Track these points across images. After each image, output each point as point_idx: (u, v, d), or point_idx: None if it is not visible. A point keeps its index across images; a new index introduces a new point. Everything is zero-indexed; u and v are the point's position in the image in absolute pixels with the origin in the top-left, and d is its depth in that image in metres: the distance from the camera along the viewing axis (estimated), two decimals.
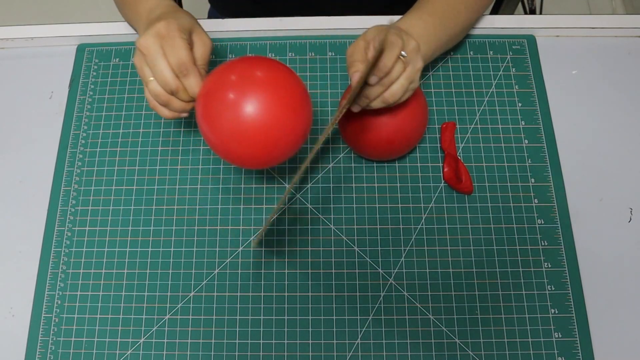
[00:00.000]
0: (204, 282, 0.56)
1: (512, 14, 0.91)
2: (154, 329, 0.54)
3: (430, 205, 0.58)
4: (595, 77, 0.65)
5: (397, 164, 0.60)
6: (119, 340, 0.54)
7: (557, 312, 0.54)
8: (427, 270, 0.56)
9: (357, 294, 0.55)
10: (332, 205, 0.58)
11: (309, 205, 0.59)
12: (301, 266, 0.56)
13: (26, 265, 0.58)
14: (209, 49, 0.53)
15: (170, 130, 0.63)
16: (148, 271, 0.56)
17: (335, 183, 0.59)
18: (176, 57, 0.48)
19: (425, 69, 0.64)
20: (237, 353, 0.53)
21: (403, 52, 0.47)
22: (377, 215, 0.58)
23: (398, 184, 0.59)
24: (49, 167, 0.62)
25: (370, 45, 0.48)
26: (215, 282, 0.56)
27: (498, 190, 0.59)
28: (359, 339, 0.54)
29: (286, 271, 0.56)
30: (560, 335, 0.53)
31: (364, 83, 0.48)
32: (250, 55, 0.50)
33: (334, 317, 0.54)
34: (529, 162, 0.60)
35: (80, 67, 0.67)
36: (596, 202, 0.59)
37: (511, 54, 0.65)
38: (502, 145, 0.61)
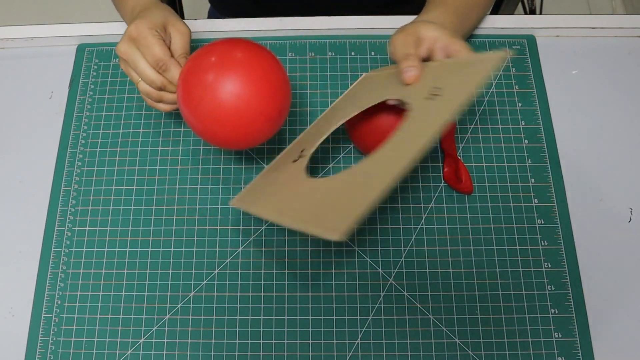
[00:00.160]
0: (204, 282, 0.56)
1: (512, 14, 0.91)
2: (154, 329, 0.54)
3: (430, 205, 0.58)
4: (595, 77, 0.65)
5: None
6: (119, 340, 0.54)
7: (557, 312, 0.54)
8: (427, 270, 0.56)
9: (357, 294, 0.55)
10: None
11: None
12: (301, 266, 0.56)
13: (26, 265, 0.58)
14: (187, 37, 0.54)
15: (170, 130, 0.63)
16: (148, 271, 0.56)
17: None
18: (151, 56, 0.51)
19: None
20: (237, 353, 0.53)
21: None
22: (377, 215, 0.58)
23: (398, 184, 0.59)
24: (49, 167, 0.62)
25: (424, 45, 0.50)
26: (215, 282, 0.56)
27: (498, 190, 0.59)
28: (359, 339, 0.54)
29: (286, 271, 0.56)
30: (560, 335, 0.53)
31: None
32: (225, 38, 0.51)
33: (334, 317, 0.54)
34: (529, 162, 0.60)
35: (80, 67, 0.67)
36: (596, 202, 0.59)
37: (511, 54, 0.65)
38: (502, 145, 0.61)
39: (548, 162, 0.60)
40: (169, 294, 0.56)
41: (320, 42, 0.67)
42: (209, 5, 0.90)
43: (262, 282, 0.56)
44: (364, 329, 0.54)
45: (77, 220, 0.59)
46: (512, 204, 0.58)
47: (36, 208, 0.60)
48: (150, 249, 0.57)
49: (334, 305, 0.55)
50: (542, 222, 0.57)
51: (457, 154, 0.60)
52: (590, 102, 0.63)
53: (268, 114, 0.49)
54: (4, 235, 0.59)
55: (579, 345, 0.53)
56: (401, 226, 0.57)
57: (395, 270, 0.56)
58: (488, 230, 0.57)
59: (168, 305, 0.55)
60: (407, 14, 0.67)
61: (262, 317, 0.54)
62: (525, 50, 0.66)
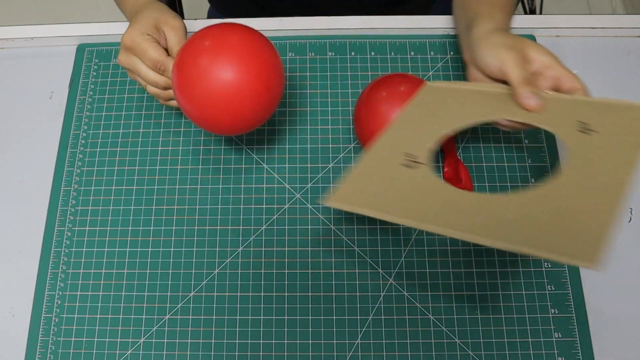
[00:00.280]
0: (204, 282, 0.56)
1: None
2: (154, 329, 0.54)
3: None
4: (595, 77, 0.65)
5: None
6: (119, 340, 0.54)
7: (557, 312, 0.54)
8: (427, 270, 0.56)
9: (357, 294, 0.55)
10: None
11: (309, 205, 0.59)
12: (301, 266, 0.56)
13: (26, 265, 0.58)
14: (181, 31, 0.55)
15: (171, 130, 0.63)
16: (148, 271, 0.57)
17: (336, 183, 0.59)
18: (149, 60, 0.53)
19: (426, 69, 0.64)
20: (237, 353, 0.53)
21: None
22: None
23: None
24: (49, 167, 0.62)
25: (531, 66, 0.47)
26: (215, 282, 0.56)
27: (498, 190, 0.59)
28: (359, 339, 0.54)
29: (286, 271, 0.56)
30: (560, 335, 0.53)
31: None
32: (217, 23, 0.51)
33: (334, 317, 0.54)
34: (529, 162, 0.60)
35: (80, 67, 0.67)
36: None
37: None
38: (502, 145, 0.61)
39: (548, 162, 0.60)
40: (169, 294, 0.56)
41: (320, 42, 0.67)
42: (208, 5, 0.90)
43: (262, 282, 0.56)
44: (364, 329, 0.54)
45: (77, 220, 0.59)
46: None
47: (36, 208, 0.60)
48: (150, 249, 0.57)
49: (334, 305, 0.55)
50: None
51: (457, 154, 0.60)
52: None
53: (262, 93, 0.50)
54: (4, 235, 0.59)
55: (579, 345, 0.53)
56: (401, 226, 0.57)
57: (395, 270, 0.56)
58: None
59: (168, 305, 0.55)
60: (407, 14, 0.67)
61: (262, 317, 0.54)
62: None
